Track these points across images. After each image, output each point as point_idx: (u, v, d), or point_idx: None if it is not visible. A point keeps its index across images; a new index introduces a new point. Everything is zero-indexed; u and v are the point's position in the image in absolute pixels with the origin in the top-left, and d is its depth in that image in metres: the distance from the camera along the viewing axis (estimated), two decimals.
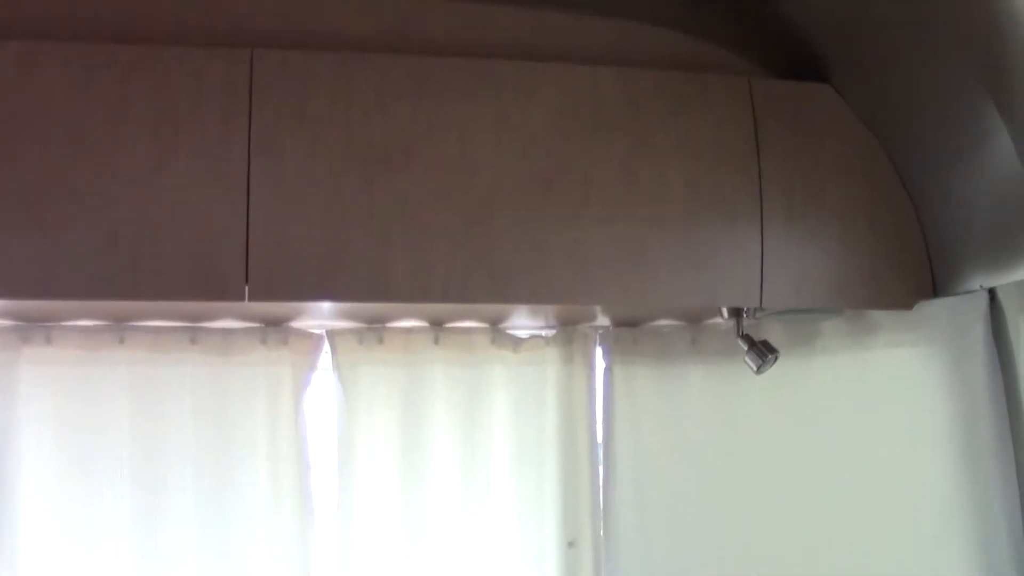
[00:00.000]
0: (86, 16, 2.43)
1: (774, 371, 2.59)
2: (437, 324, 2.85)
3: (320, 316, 2.72)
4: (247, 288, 2.29)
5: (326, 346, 2.81)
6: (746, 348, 2.60)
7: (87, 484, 2.70)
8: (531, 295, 2.43)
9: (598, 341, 2.96)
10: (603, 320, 2.91)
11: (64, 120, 2.29)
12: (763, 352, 2.57)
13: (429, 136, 2.40)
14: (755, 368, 2.56)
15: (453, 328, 2.86)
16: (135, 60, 2.34)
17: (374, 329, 2.81)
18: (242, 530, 2.73)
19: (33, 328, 2.66)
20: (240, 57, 2.36)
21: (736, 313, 2.62)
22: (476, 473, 2.85)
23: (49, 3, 2.41)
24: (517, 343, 2.89)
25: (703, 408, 2.90)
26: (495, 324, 2.86)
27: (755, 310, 2.56)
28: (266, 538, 2.73)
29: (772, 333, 2.69)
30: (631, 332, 2.97)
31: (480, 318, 2.82)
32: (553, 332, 2.93)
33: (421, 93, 2.43)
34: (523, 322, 2.88)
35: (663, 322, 2.95)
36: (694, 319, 2.92)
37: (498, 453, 2.86)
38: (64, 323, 2.70)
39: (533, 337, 2.81)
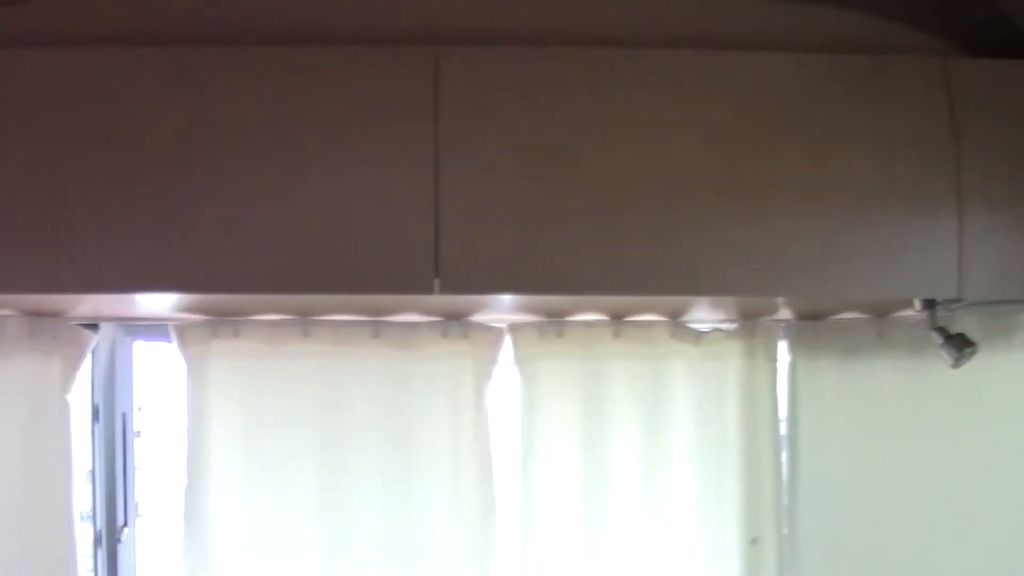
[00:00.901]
0: (277, 21, 2.68)
1: (969, 366, 2.65)
2: (617, 318, 3.01)
3: (501, 310, 2.91)
4: (437, 282, 2.50)
5: (507, 340, 2.99)
6: (941, 341, 2.66)
7: (273, 473, 2.96)
8: (718, 287, 2.59)
9: (781, 335, 3.06)
10: (785, 313, 3.03)
11: (255, 122, 2.54)
12: (960, 345, 2.63)
13: (614, 129, 2.56)
14: (951, 362, 2.62)
15: (633, 322, 3.02)
16: (322, 62, 2.57)
17: (554, 323, 2.98)
18: (424, 522, 2.94)
19: (222, 322, 2.95)
20: (425, 56, 2.56)
21: (929, 305, 2.69)
22: (656, 468, 2.99)
23: (244, 9, 2.68)
24: (698, 337, 3.03)
25: (891, 404, 3.00)
26: (675, 317, 3.01)
27: (950, 302, 2.63)
28: (447, 530, 2.94)
29: (967, 326, 2.76)
30: (814, 326, 3.07)
31: (660, 311, 2.97)
32: (734, 326, 3.07)
33: (603, 86, 2.59)
34: (704, 315, 3.03)
35: (847, 315, 3.05)
36: (880, 312, 3.01)
37: (678, 448, 3.00)
38: (251, 317, 2.97)
39: (714, 331, 2.91)
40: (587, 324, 2.98)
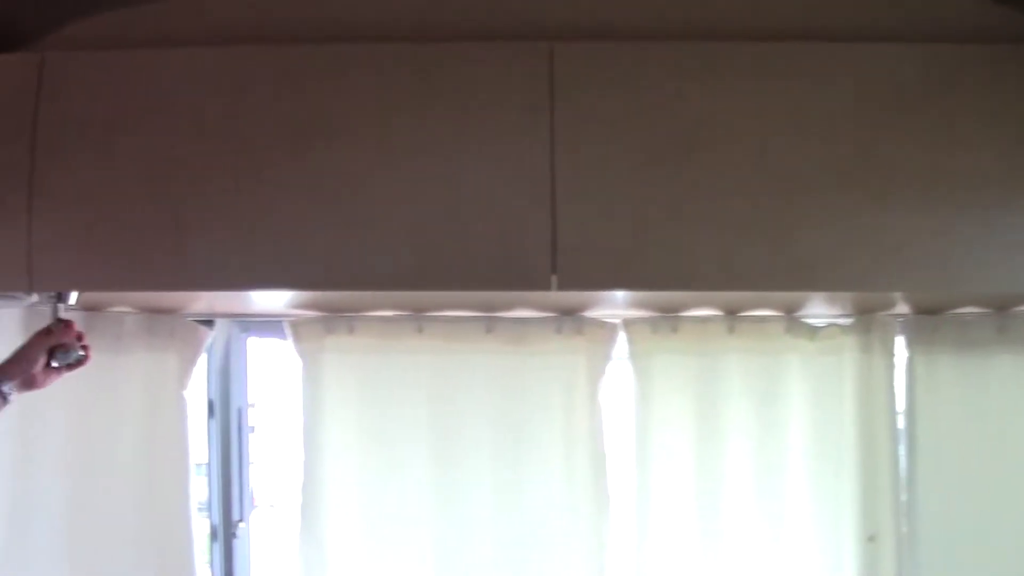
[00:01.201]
0: (392, 18, 2.75)
1: None
2: (731, 313, 3.06)
3: (614, 305, 2.96)
4: (555, 278, 2.58)
5: (621, 335, 3.06)
6: None
7: (388, 468, 3.06)
8: (835, 283, 2.62)
9: (898, 330, 3.08)
10: (903, 308, 3.03)
11: (370, 118, 2.62)
12: None
13: (728, 123, 2.59)
14: None
15: (747, 317, 3.07)
16: (437, 58, 2.64)
17: (668, 318, 3.03)
18: (537, 517, 3.00)
19: (336, 319, 3.04)
20: (540, 51, 2.63)
21: None
22: (771, 464, 3.01)
23: (360, 7, 2.78)
24: (813, 332, 3.06)
25: (1011, 400, 3.01)
26: (790, 312, 3.05)
27: None
28: (560, 525, 3.00)
29: None
30: (932, 320, 3.07)
31: (775, 306, 3.02)
32: (851, 321, 3.09)
33: (718, 80, 2.62)
34: (819, 310, 3.05)
35: (966, 309, 3.06)
36: (1001, 306, 3.02)
37: (794, 445, 3.02)
38: (365, 313, 3.08)
39: (830, 326, 2.88)
40: (701, 319, 3.03)
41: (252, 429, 3.17)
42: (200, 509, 3.11)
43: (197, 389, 3.10)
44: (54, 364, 2.57)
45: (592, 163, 2.60)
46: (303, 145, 2.61)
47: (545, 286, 2.54)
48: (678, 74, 2.64)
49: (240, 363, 3.18)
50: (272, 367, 3.30)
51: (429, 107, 2.63)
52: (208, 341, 3.05)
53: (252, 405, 3.20)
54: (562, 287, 2.55)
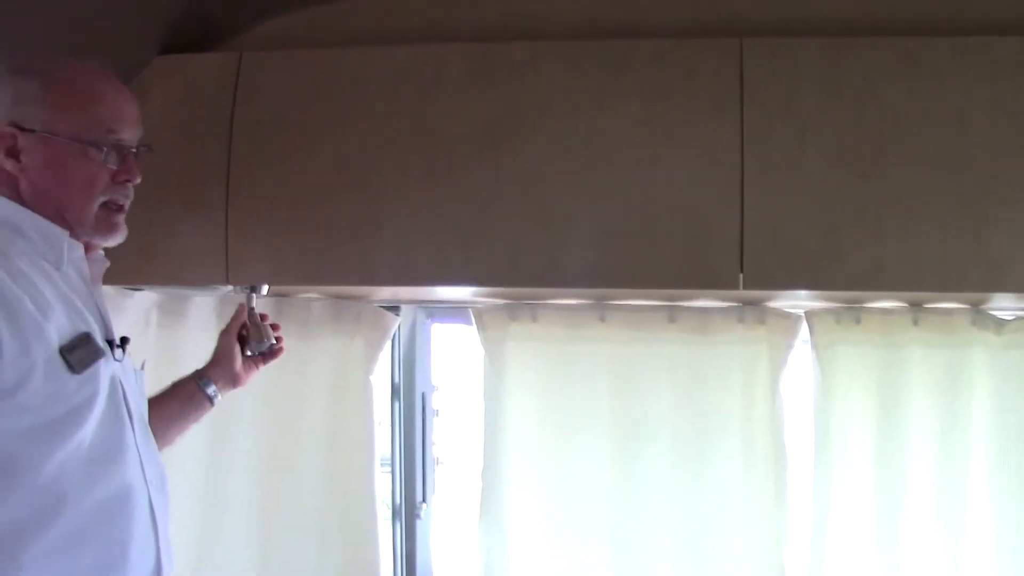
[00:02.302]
0: (581, 16, 2.86)
1: None
2: (915, 305, 3.09)
3: (797, 296, 3.05)
4: (742, 277, 2.66)
5: (803, 326, 3.11)
6: None
7: (568, 454, 3.18)
8: None
9: None
10: None
11: (562, 116, 2.73)
12: None
13: (923, 122, 2.63)
14: None
15: (932, 309, 3.09)
16: (627, 55, 2.74)
17: (852, 309, 3.08)
18: (715, 507, 3.11)
19: (520, 306, 3.16)
20: (729, 47, 2.71)
21: None
22: (954, 459, 3.03)
23: (546, 3, 2.87)
24: (1000, 325, 3.05)
25: None
26: (976, 305, 3.07)
27: None
28: (739, 516, 3.10)
29: None
30: None
31: (961, 299, 3.05)
32: None
33: (914, 77, 2.67)
34: (1007, 303, 3.08)
35: None
36: None
37: (977, 440, 3.05)
38: (549, 301, 3.18)
39: (1017, 319, 2.84)
40: (885, 311, 3.08)
41: (436, 413, 3.24)
42: (385, 491, 3.17)
43: (382, 373, 3.13)
44: (248, 353, 2.73)
45: (782, 162, 2.68)
46: (494, 142, 2.74)
47: (732, 285, 2.62)
48: (871, 71, 2.69)
49: (424, 348, 3.33)
50: (456, 352, 3.36)
51: (619, 105, 2.74)
52: (394, 328, 3.14)
53: (436, 389, 3.27)
54: (748, 286, 2.66)
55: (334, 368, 3.18)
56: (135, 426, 1.90)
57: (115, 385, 1.86)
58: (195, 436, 2.82)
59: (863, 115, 2.65)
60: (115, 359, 1.89)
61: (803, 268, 2.61)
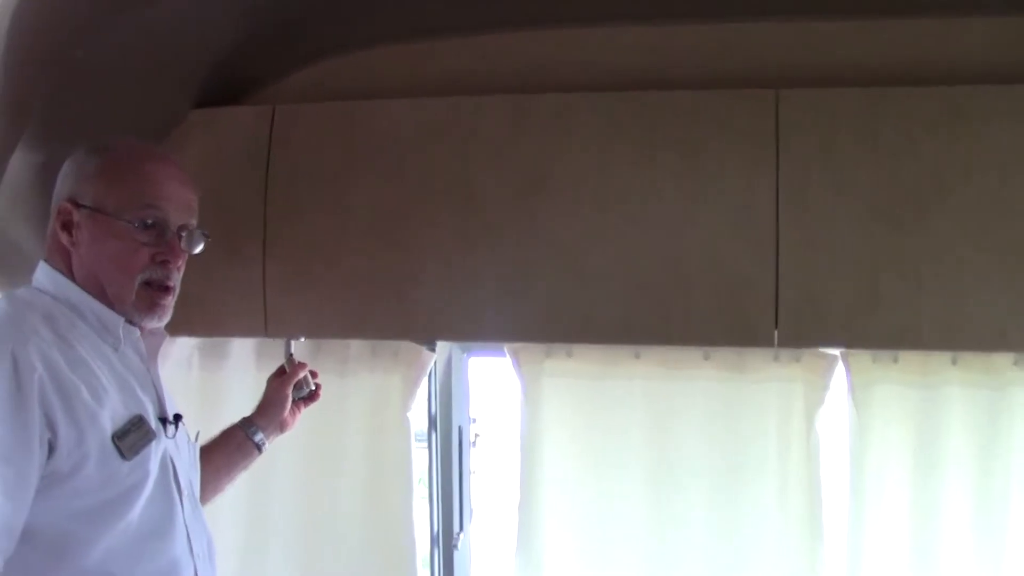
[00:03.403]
0: (613, 67, 2.86)
1: None
2: None
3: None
4: (776, 334, 2.67)
5: (840, 365, 3.10)
6: None
7: (603, 487, 3.23)
8: None
9: None
10: None
11: (596, 170, 2.75)
12: None
13: (965, 172, 2.63)
14: None
15: None
16: (660, 106, 2.75)
17: (890, 351, 3.08)
18: (750, 544, 3.15)
19: (556, 344, 3.18)
20: (765, 98, 2.70)
21: None
22: (993, 504, 3.04)
23: (581, 56, 2.86)
24: None
25: None
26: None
27: None
28: (774, 554, 3.14)
29: None
30: None
31: None
32: None
33: (954, 126, 2.65)
34: None
35: None
36: None
37: (1017, 484, 3.05)
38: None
39: None
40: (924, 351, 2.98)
41: (473, 443, 3.27)
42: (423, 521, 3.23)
43: (419, 405, 3.18)
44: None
45: (818, 215, 2.70)
46: (528, 196, 2.78)
47: (768, 342, 2.61)
48: (909, 121, 2.69)
49: (461, 382, 3.37)
50: (493, 384, 3.39)
51: (653, 158, 2.76)
52: (430, 364, 3.16)
53: (473, 420, 3.30)
54: (782, 344, 2.68)
55: (372, 405, 3.25)
56: (184, 501, 1.97)
57: (166, 464, 1.95)
58: None
59: (901, 166, 2.65)
60: (167, 436, 1.97)
61: (839, 325, 2.63)
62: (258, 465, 3.07)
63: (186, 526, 1.94)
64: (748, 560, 3.15)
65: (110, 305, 1.94)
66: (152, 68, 2.63)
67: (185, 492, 1.97)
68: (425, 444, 3.38)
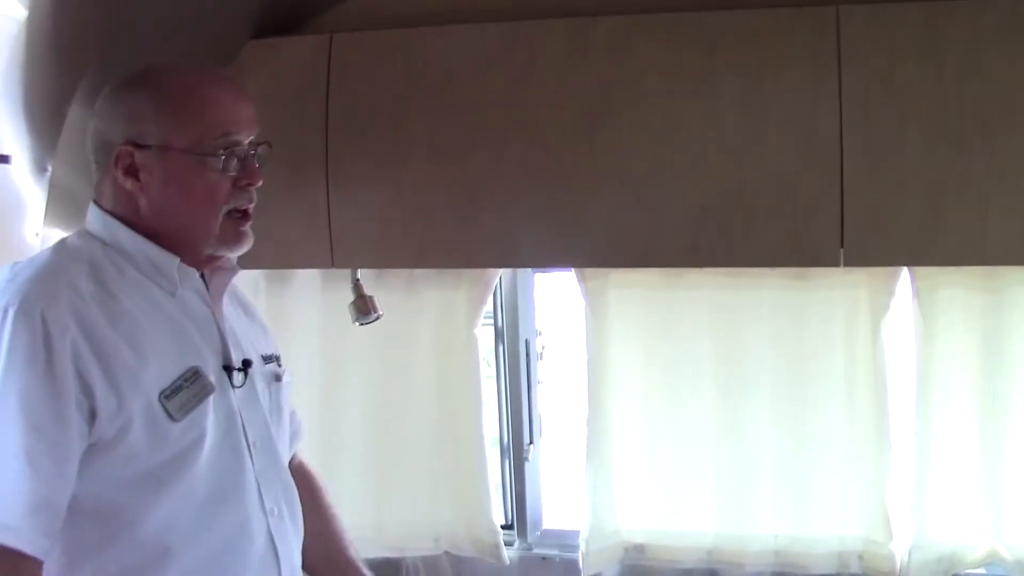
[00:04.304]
0: None
1: None
2: None
3: None
4: (842, 253, 2.70)
5: (904, 270, 3.12)
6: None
7: (671, 398, 3.31)
8: None
9: None
10: None
11: (657, 95, 2.77)
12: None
13: None
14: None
15: None
16: (721, 27, 2.74)
17: None
18: (818, 449, 3.22)
19: None
20: (825, 16, 2.68)
21: None
22: None
23: None
24: None
25: None
26: None
27: None
28: (841, 458, 3.21)
29: None
30: None
31: None
32: None
33: (1020, 42, 2.62)
34: None
35: None
36: None
37: None
38: None
39: None
40: None
41: (540, 356, 3.35)
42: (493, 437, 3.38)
43: (486, 320, 3.31)
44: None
45: (882, 137, 2.69)
46: (589, 124, 2.79)
47: (833, 262, 2.69)
48: (974, 37, 2.65)
49: (528, 296, 3.30)
50: (559, 298, 3.45)
51: (714, 81, 2.76)
52: (495, 281, 3.25)
53: (540, 334, 3.37)
54: (848, 263, 2.71)
55: (439, 321, 3.35)
56: (255, 456, 1.84)
57: (231, 418, 1.81)
58: (310, 386, 3.21)
59: (965, 86, 2.63)
60: (235, 385, 1.84)
61: (904, 244, 2.67)
62: (331, 382, 3.31)
63: (257, 483, 1.83)
64: (816, 462, 3.22)
65: (174, 246, 1.81)
66: (207, 4, 2.63)
67: (257, 445, 1.85)
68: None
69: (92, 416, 1.62)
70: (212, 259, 1.88)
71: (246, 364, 1.94)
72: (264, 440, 1.98)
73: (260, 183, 1.94)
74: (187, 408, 1.73)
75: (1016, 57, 2.58)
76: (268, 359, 2.10)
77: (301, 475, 2.12)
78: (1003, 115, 2.58)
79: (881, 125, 2.61)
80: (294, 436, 2.24)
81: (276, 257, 2.88)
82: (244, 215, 1.94)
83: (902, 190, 2.60)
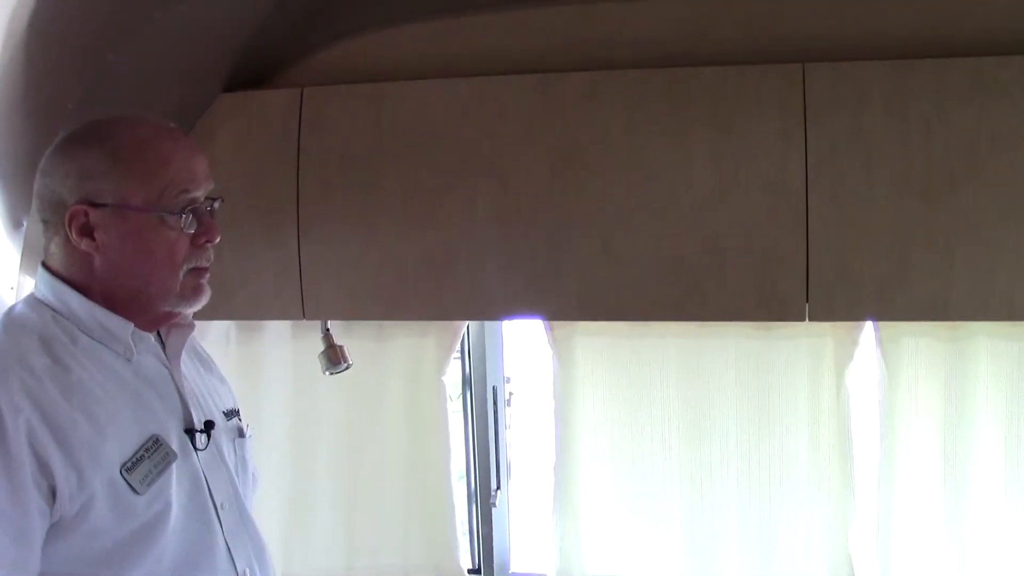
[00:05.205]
0: (640, 44, 2.90)
1: None
2: None
3: None
4: (807, 308, 2.74)
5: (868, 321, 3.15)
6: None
7: (637, 444, 3.36)
8: None
9: None
10: None
11: (626, 148, 2.80)
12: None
13: (994, 145, 2.66)
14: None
15: None
16: (691, 83, 2.78)
17: None
18: (782, 495, 3.27)
19: None
20: (792, 73, 2.73)
21: None
22: (1019, 449, 3.13)
23: (607, 33, 2.89)
24: None
25: None
26: None
27: None
28: (805, 504, 3.27)
29: None
30: None
31: None
32: None
33: (984, 98, 2.67)
34: None
35: None
36: None
37: None
38: None
39: None
40: None
41: (508, 402, 3.36)
42: (460, 479, 3.36)
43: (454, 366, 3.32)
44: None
45: (848, 190, 2.74)
46: (559, 176, 2.82)
47: (799, 316, 2.66)
48: (939, 93, 2.70)
49: (495, 343, 3.43)
50: (526, 344, 3.46)
51: (682, 135, 2.80)
52: (463, 328, 3.27)
53: (508, 380, 3.39)
54: (813, 318, 2.75)
55: (408, 368, 3.39)
56: (223, 518, 1.82)
57: (196, 483, 1.79)
58: (280, 433, 3.23)
59: (930, 140, 2.68)
60: (198, 448, 1.80)
61: (869, 298, 2.71)
62: (301, 429, 3.33)
63: (227, 544, 1.81)
64: (781, 511, 3.28)
65: (129, 305, 1.76)
66: (182, 60, 2.65)
67: (225, 506, 1.83)
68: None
69: (52, 495, 1.58)
70: (168, 316, 1.84)
71: (208, 425, 1.86)
72: (231, 499, 1.96)
73: (218, 240, 1.91)
74: (150, 479, 1.70)
75: (979, 113, 2.64)
76: (230, 414, 2.08)
77: None
78: (967, 169, 2.63)
79: (847, 178, 2.67)
80: (255, 486, 2.21)
81: (248, 308, 2.89)
82: (205, 269, 1.91)
83: (868, 244, 2.65)
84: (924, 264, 2.66)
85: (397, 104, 2.85)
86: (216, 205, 1.82)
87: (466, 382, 3.28)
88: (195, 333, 1.93)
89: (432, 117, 2.83)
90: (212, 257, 1.85)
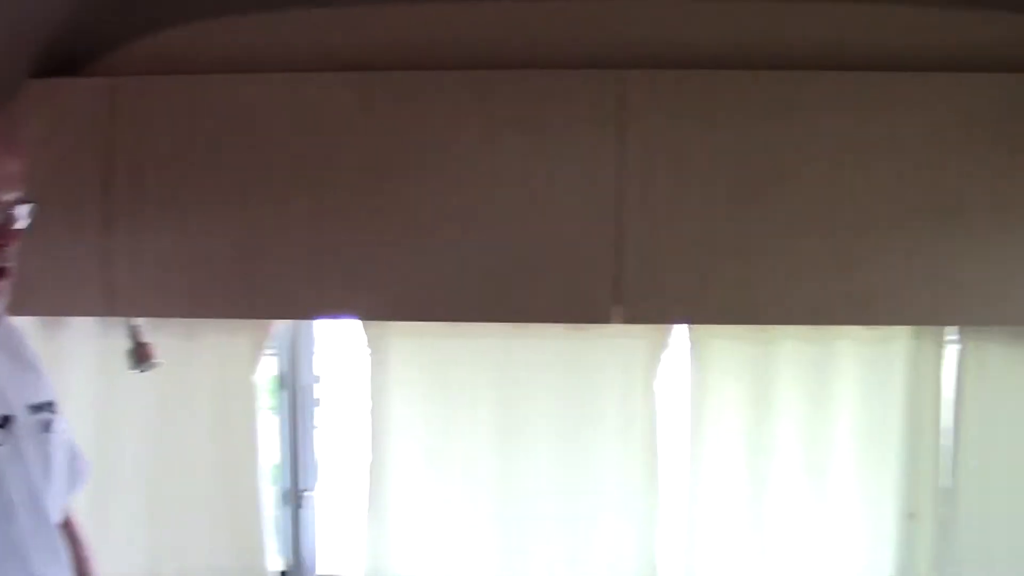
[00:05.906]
0: (461, 47, 2.92)
1: None
2: None
3: None
4: (620, 310, 2.81)
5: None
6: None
7: (452, 444, 3.36)
8: (891, 317, 2.87)
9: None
10: None
11: (440, 148, 2.81)
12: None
13: (799, 155, 2.77)
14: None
15: None
16: (506, 86, 2.80)
17: None
18: (592, 494, 3.34)
19: None
20: (608, 79, 2.77)
21: None
22: (819, 444, 3.12)
23: (429, 35, 2.89)
24: None
25: None
26: None
27: None
28: (614, 503, 3.33)
29: None
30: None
31: None
32: None
33: (791, 111, 2.78)
34: None
35: None
36: None
37: (842, 428, 3.10)
38: None
39: None
40: None
41: (318, 403, 3.32)
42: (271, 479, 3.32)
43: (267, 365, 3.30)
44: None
45: (660, 195, 2.80)
46: (375, 174, 2.82)
47: (606, 319, 2.73)
48: (750, 104, 2.80)
49: (307, 342, 3.38)
50: (340, 344, 3.43)
51: (497, 137, 2.82)
52: (276, 328, 3.16)
53: (318, 380, 3.35)
54: (624, 320, 2.81)
55: (218, 367, 3.32)
56: (20, 515, 1.75)
57: None
58: (83, 432, 2.84)
59: (740, 148, 2.74)
60: None
61: (680, 301, 2.76)
62: (106, 429, 3.22)
63: (24, 546, 1.74)
64: (591, 510, 3.34)
65: None
66: None
67: (22, 505, 1.74)
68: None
69: None
70: None
71: (6, 420, 1.85)
72: (31, 498, 1.87)
73: (15, 242, 1.83)
74: None
75: (786, 126, 2.74)
76: (39, 408, 1.99)
77: (68, 534, 2.00)
78: (774, 179, 2.72)
79: (659, 185, 2.71)
80: (76, 481, 2.13)
81: (51, 304, 2.82)
82: (1, 272, 1.83)
83: (678, 250, 2.67)
84: (732, 270, 2.68)
85: (211, 98, 2.81)
86: (23, 209, 1.77)
87: (282, 381, 3.17)
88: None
89: (246, 112, 2.80)
90: (9, 260, 1.81)
